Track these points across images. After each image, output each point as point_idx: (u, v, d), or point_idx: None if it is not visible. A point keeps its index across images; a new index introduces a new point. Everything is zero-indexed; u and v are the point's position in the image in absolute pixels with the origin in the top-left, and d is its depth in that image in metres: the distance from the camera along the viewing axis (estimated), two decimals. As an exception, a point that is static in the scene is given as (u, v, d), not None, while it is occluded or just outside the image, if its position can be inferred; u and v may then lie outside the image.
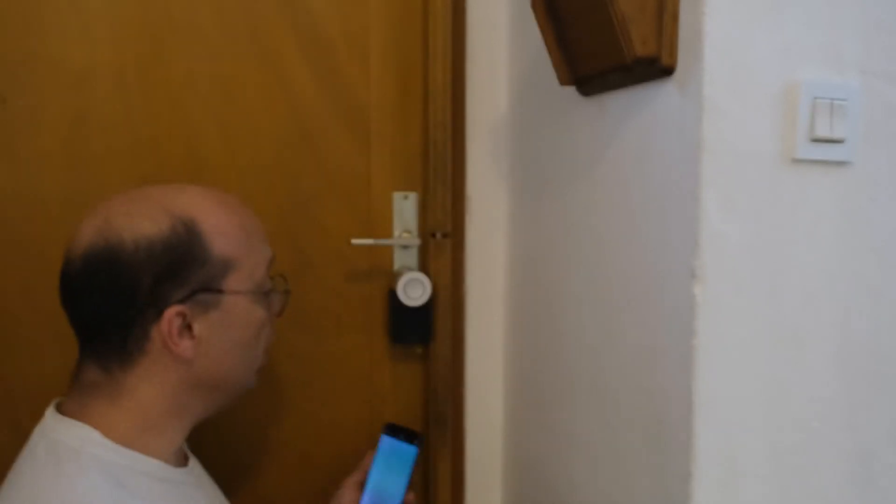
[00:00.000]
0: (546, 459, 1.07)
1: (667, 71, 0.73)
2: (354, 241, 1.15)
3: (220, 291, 0.78)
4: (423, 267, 1.20)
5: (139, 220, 0.75)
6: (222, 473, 0.95)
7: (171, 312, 0.75)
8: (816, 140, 0.71)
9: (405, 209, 1.20)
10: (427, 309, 1.16)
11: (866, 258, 0.76)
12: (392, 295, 1.18)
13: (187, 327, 0.76)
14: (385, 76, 1.18)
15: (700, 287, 0.70)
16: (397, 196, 1.20)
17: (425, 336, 1.18)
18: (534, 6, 0.88)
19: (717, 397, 0.71)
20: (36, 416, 1.06)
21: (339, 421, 1.21)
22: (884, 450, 0.78)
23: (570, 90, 0.94)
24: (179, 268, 0.75)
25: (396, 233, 1.20)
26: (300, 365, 1.18)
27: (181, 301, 0.75)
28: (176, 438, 0.80)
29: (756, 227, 0.71)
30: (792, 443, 0.74)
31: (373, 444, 1.23)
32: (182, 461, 0.83)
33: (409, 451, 0.97)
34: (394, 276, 1.19)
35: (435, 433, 1.19)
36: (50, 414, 0.79)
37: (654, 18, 0.72)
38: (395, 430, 0.98)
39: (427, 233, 1.18)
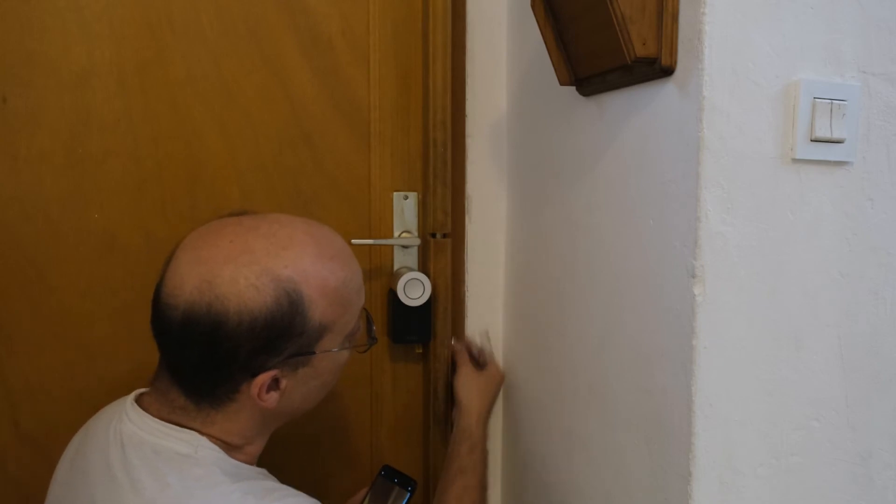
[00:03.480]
0: (546, 459, 1.07)
1: (667, 71, 0.73)
2: (354, 241, 1.15)
3: (312, 353, 0.79)
4: (423, 267, 1.20)
5: (244, 289, 0.73)
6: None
7: (264, 377, 0.76)
8: (816, 140, 0.71)
9: (405, 209, 1.20)
10: (427, 309, 1.16)
11: (866, 258, 0.76)
12: (392, 295, 1.18)
13: (275, 381, 0.78)
14: (385, 76, 1.18)
15: (700, 287, 0.70)
16: (397, 196, 1.20)
17: (425, 336, 1.18)
18: (534, 6, 0.88)
19: (717, 397, 0.71)
20: (36, 417, 1.07)
21: (339, 421, 1.21)
22: (884, 450, 0.78)
23: (570, 90, 0.94)
24: (279, 341, 0.76)
25: (396, 233, 1.20)
26: (300, 365, 1.18)
27: (274, 368, 0.77)
28: (258, 450, 0.84)
29: (756, 227, 0.71)
30: (792, 443, 0.74)
31: (371, 446, 1.23)
32: None
33: (400, 494, 1.00)
34: (394, 276, 1.19)
35: (435, 433, 1.19)
36: (138, 415, 0.79)
37: (654, 18, 0.72)
38: (391, 474, 1.01)
39: (427, 233, 1.18)
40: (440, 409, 1.18)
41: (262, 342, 0.74)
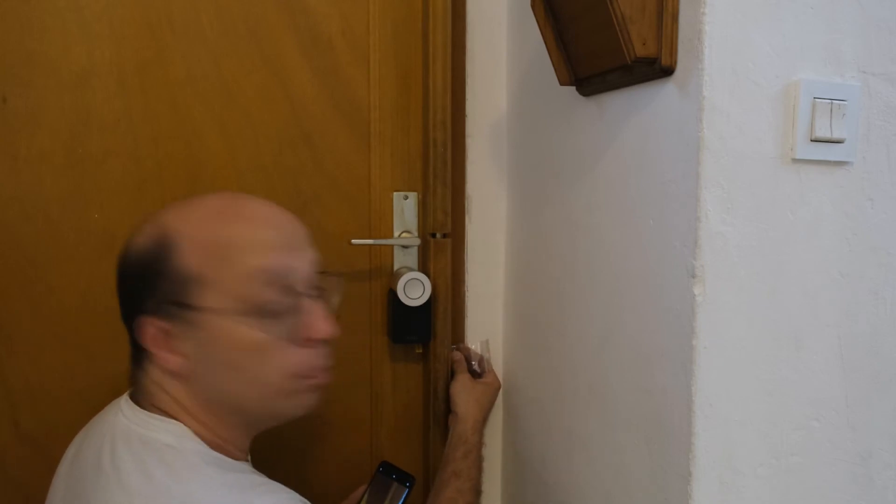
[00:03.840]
0: (546, 459, 1.07)
1: (667, 71, 0.73)
2: (354, 241, 1.15)
3: (191, 307, 0.75)
4: (423, 267, 1.20)
5: (140, 234, 0.79)
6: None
7: (142, 321, 0.76)
8: (816, 140, 0.71)
9: (405, 209, 1.20)
10: (427, 309, 1.16)
11: (866, 258, 0.76)
12: (392, 295, 1.18)
13: (174, 342, 0.76)
14: (385, 76, 1.18)
15: (700, 287, 0.70)
16: (397, 196, 1.20)
17: (425, 336, 1.18)
18: (534, 6, 0.88)
19: (717, 397, 0.71)
20: (36, 416, 1.07)
21: (339, 420, 1.21)
22: (884, 450, 0.78)
23: (570, 90, 0.94)
24: (147, 280, 0.76)
25: (396, 233, 1.20)
26: (300, 365, 1.18)
27: (154, 313, 0.76)
28: (238, 447, 0.81)
29: (756, 227, 0.71)
30: (792, 443, 0.74)
31: (371, 446, 1.23)
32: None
33: (399, 490, 1.01)
34: (394, 276, 1.19)
35: (435, 433, 1.19)
36: (129, 408, 0.80)
37: (654, 18, 0.72)
38: (389, 470, 1.02)
39: (427, 233, 1.18)
40: (440, 409, 1.18)
41: (136, 281, 0.77)
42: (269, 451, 1.19)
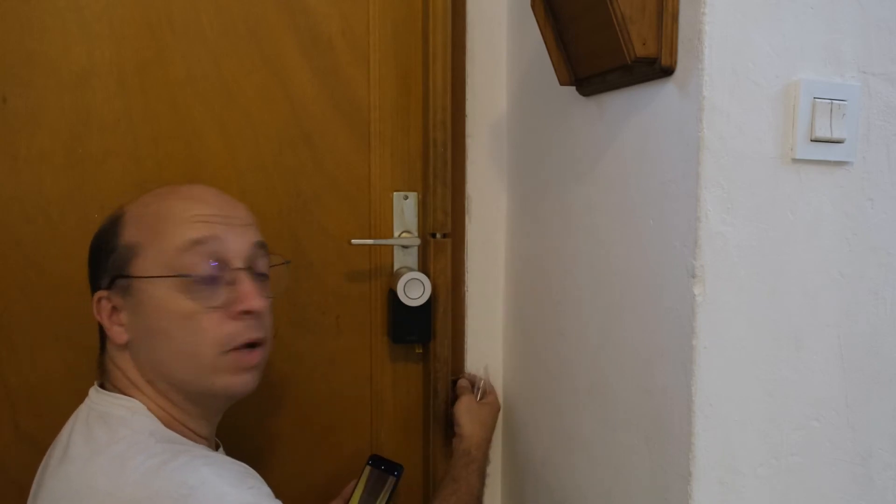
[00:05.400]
0: (546, 459, 1.07)
1: (667, 71, 0.73)
2: (354, 241, 1.15)
3: (129, 276, 0.80)
4: (423, 267, 1.20)
5: (105, 219, 0.85)
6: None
7: (96, 296, 0.82)
8: (816, 140, 0.71)
9: (405, 209, 1.20)
10: (427, 309, 1.16)
11: (866, 258, 0.76)
12: (392, 295, 1.18)
13: (118, 314, 0.82)
14: (385, 76, 1.18)
15: (700, 287, 0.70)
16: (397, 196, 1.20)
17: (425, 336, 1.18)
18: (534, 6, 0.88)
19: (717, 397, 0.71)
20: (36, 416, 1.07)
21: (339, 420, 1.21)
22: (884, 450, 0.78)
23: (570, 90, 0.94)
24: (100, 257, 0.83)
25: (396, 233, 1.20)
26: (300, 365, 1.18)
27: (105, 287, 0.82)
28: (199, 430, 0.84)
29: (756, 227, 0.71)
30: (792, 443, 0.74)
31: (371, 446, 1.23)
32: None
33: (389, 480, 1.04)
34: (394, 276, 1.19)
35: (435, 433, 1.19)
36: (95, 392, 0.84)
37: (654, 18, 0.72)
38: (378, 462, 1.05)
39: (427, 233, 1.18)
40: (440, 409, 1.18)
41: (94, 258, 0.84)
42: (269, 451, 1.19)
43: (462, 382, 1.20)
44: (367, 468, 1.05)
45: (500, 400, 1.24)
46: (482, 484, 1.11)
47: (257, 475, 0.77)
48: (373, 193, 1.19)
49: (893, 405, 0.78)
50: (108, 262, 0.81)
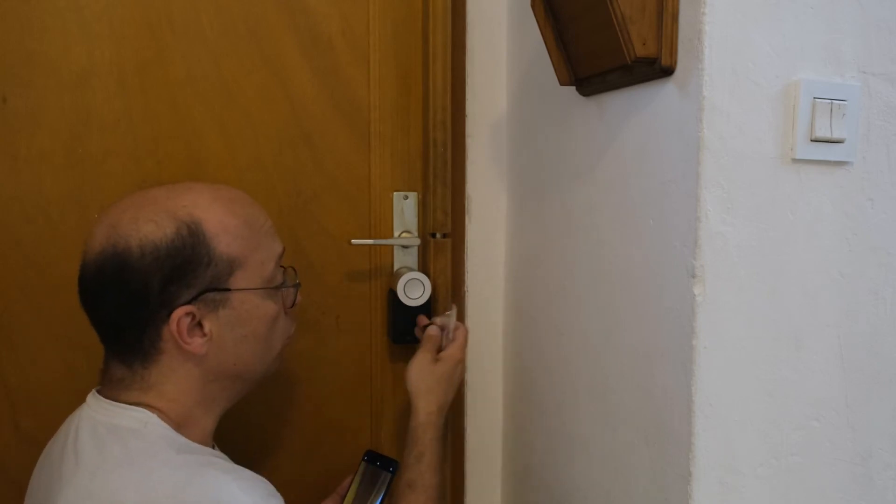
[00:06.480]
0: (546, 459, 1.07)
1: (667, 71, 0.73)
2: (354, 241, 1.15)
3: (227, 290, 0.80)
4: (423, 267, 1.20)
5: (144, 225, 0.77)
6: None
7: (178, 313, 0.78)
8: (816, 140, 0.71)
9: (405, 209, 1.20)
10: (427, 309, 1.16)
11: (866, 258, 0.76)
12: (392, 295, 1.18)
13: (198, 325, 0.80)
14: (385, 76, 1.18)
15: (700, 287, 0.70)
16: (397, 196, 1.20)
17: (425, 336, 1.18)
18: (533, 6, 0.88)
19: (717, 397, 0.71)
20: (36, 416, 1.07)
21: (339, 420, 1.21)
22: (884, 450, 0.78)
23: (570, 90, 0.94)
24: (186, 270, 0.78)
25: (396, 233, 1.20)
26: (300, 365, 1.18)
27: (189, 302, 0.78)
28: (207, 427, 0.84)
29: (756, 227, 0.71)
30: (792, 443, 0.74)
31: (371, 446, 1.23)
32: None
33: (384, 476, 1.03)
34: (394, 276, 1.19)
35: (435, 433, 1.19)
36: (95, 400, 0.82)
37: (654, 18, 0.72)
38: (373, 458, 1.05)
39: (427, 233, 1.18)
40: (440, 409, 1.18)
41: (169, 271, 0.77)
42: (270, 451, 1.19)
43: (430, 331, 1.09)
44: (363, 464, 1.05)
45: (500, 398, 1.24)
46: (440, 475, 0.99)
47: (277, 493, 0.78)
48: (373, 193, 1.19)
49: (893, 405, 0.78)
50: (202, 275, 0.78)
